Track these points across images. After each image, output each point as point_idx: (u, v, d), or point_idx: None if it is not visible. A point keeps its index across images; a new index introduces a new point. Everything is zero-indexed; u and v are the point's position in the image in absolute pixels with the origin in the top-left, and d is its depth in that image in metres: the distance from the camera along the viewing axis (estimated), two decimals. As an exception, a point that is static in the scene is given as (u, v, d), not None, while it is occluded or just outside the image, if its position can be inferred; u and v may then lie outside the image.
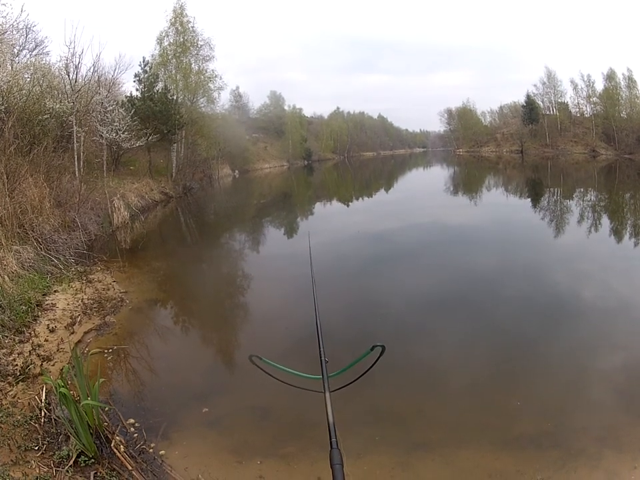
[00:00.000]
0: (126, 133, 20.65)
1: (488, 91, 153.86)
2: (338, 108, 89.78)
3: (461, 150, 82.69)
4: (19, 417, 4.62)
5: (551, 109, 67.83)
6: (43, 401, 4.98)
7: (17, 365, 5.77)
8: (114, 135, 19.95)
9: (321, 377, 1.80)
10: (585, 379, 5.75)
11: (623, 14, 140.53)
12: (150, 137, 23.59)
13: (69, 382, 5.06)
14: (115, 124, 19.97)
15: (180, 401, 5.51)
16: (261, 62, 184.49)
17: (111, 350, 6.74)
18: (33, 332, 6.80)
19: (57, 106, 17.18)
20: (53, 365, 6.05)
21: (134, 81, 26.29)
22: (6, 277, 7.97)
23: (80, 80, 18.60)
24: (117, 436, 4.63)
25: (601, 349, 6.55)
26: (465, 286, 9.59)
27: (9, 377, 5.44)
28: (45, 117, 16.20)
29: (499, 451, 4.47)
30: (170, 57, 30.79)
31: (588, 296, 8.76)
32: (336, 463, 1.44)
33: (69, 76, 17.99)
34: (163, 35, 30.91)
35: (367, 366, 1.83)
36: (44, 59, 20.38)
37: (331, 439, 1.52)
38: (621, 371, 5.84)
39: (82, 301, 8.35)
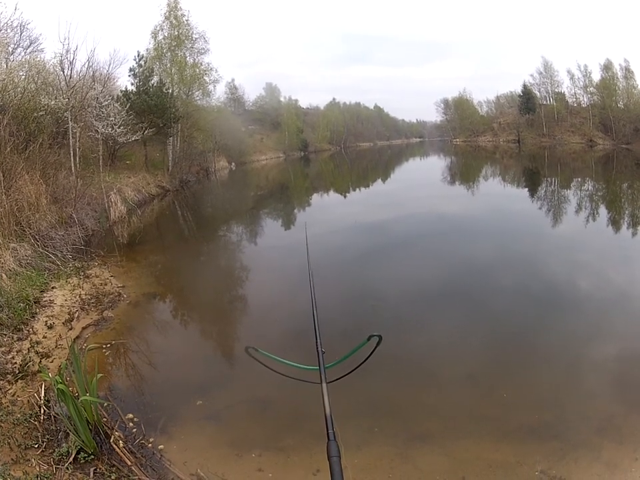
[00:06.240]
0: (122, 128, 20.47)
1: (484, 81, 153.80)
2: (334, 99, 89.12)
3: (457, 140, 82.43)
4: (19, 415, 4.63)
5: (547, 98, 67.60)
6: (42, 398, 4.98)
7: (15, 362, 5.77)
8: (110, 129, 19.79)
9: (318, 367, 1.78)
10: (585, 369, 5.76)
11: (619, 5, 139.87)
12: (146, 131, 23.37)
13: (68, 378, 5.06)
14: (111, 119, 19.80)
15: (178, 394, 5.53)
16: (256, 54, 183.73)
17: (109, 345, 6.74)
18: (31, 329, 6.79)
19: (52, 102, 17.04)
20: (52, 362, 6.05)
21: (129, 75, 26.09)
22: (3, 274, 7.96)
23: (75, 76, 18.46)
24: (116, 431, 4.64)
25: (600, 338, 6.57)
26: (463, 275, 9.61)
27: (8, 375, 5.44)
28: (40, 113, 16.05)
29: (498, 441, 4.49)
30: (165, 51, 30.57)
31: (585, 286, 8.78)
32: (333, 455, 1.40)
33: (63, 72, 17.85)
34: (158, 28, 30.67)
35: (363, 356, 1.80)
36: (38, 56, 20.18)
37: (328, 430, 1.49)
38: (621, 361, 5.85)
39: (80, 297, 8.33)
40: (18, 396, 5.06)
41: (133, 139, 22.19)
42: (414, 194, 23.80)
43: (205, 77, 32.27)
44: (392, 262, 10.81)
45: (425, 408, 5.18)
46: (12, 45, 19.33)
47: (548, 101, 67.37)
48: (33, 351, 6.19)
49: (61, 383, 4.20)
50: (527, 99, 68.17)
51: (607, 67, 59.47)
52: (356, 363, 1.88)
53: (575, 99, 65.36)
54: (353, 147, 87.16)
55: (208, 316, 8.65)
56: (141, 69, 26.11)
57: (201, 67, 31.95)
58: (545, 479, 4.00)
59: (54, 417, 4.68)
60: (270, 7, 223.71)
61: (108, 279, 9.62)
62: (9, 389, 5.17)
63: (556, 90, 66.49)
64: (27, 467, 3.96)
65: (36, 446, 4.25)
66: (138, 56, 26.61)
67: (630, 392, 5.14)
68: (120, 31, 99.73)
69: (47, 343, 6.53)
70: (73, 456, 4.11)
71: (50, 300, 8.00)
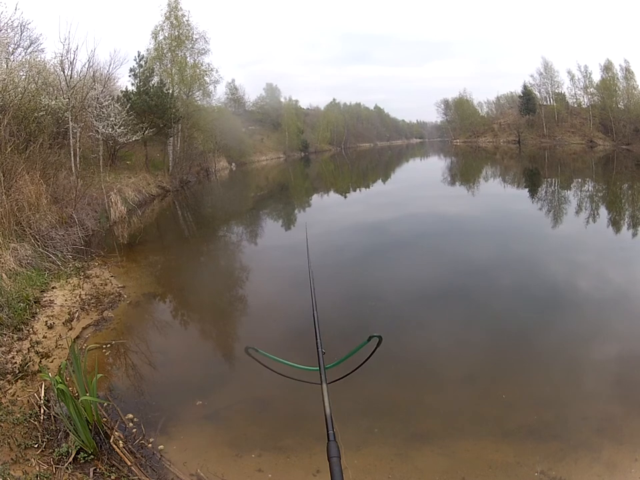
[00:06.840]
0: (122, 128, 20.49)
1: (484, 81, 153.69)
2: (334, 99, 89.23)
3: (458, 140, 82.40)
4: (19, 415, 4.62)
5: (548, 99, 67.57)
6: (42, 398, 4.98)
7: (15, 362, 5.77)
8: (110, 129, 19.83)
9: (318, 368, 1.77)
10: (584, 369, 5.75)
11: (619, 5, 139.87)
12: (146, 131, 23.37)
13: (68, 378, 5.07)
14: (111, 119, 19.83)
15: (178, 394, 5.52)
16: (256, 54, 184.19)
17: (109, 345, 6.74)
18: (31, 329, 6.79)
19: (53, 102, 17.04)
20: (52, 362, 6.05)
21: (129, 76, 26.10)
22: (4, 274, 7.96)
23: (75, 76, 18.48)
24: (116, 431, 4.64)
25: (600, 338, 6.55)
26: (463, 275, 9.59)
27: (8, 375, 5.44)
28: (41, 113, 16.06)
29: (498, 442, 4.48)
30: (165, 51, 30.60)
31: (585, 286, 8.77)
32: (333, 455, 1.40)
33: (63, 72, 17.86)
34: (158, 29, 30.70)
35: (364, 357, 1.80)
36: (39, 56, 20.22)
37: (328, 431, 1.49)
38: (621, 361, 5.84)
39: (80, 297, 8.33)
40: (18, 396, 5.05)
41: (133, 139, 22.22)
42: (414, 194, 23.79)
43: (205, 78, 32.37)
44: (392, 262, 10.80)
45: (425, 408, 5.18)
46: (12, 45, 19.40)
47: (548, 102, 67.34)
48: (32, 350, 6.19)
49: (60, 382, 4.20)
50: (527, 100, 68.13)
51: (607, 67, 59.41)
52: (356, 364, 1.87)
53: (575, 100, 65.34)
54: (353, 147, 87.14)
55: (208, 316, 8.65)
56: (141, 69, 26.13)
57: (202, 68, 32.05)
58: (544, 480, 4.00)
59: (54, 416, 4.68)
60: (269, 6, 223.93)
61: (108, 279, 9.61)
62: (9, 389, 5.17)
63: (556, 90, 66.50)
64: (26, 466, 3.96)
65: (36, 446, 4.25)
66: (138, 56, 26.65)
67: (630, 392, 5.13)
68: (120, 31, 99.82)
69: (46, 343, 6.53)
70: (73, 456, 4.11)
71: (50, 300, 7.99)
